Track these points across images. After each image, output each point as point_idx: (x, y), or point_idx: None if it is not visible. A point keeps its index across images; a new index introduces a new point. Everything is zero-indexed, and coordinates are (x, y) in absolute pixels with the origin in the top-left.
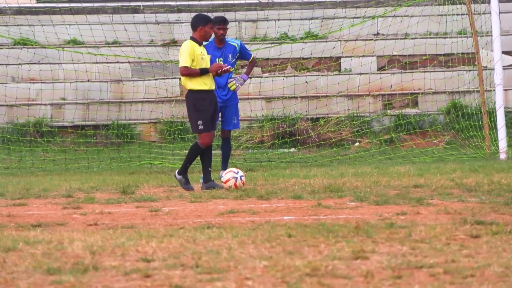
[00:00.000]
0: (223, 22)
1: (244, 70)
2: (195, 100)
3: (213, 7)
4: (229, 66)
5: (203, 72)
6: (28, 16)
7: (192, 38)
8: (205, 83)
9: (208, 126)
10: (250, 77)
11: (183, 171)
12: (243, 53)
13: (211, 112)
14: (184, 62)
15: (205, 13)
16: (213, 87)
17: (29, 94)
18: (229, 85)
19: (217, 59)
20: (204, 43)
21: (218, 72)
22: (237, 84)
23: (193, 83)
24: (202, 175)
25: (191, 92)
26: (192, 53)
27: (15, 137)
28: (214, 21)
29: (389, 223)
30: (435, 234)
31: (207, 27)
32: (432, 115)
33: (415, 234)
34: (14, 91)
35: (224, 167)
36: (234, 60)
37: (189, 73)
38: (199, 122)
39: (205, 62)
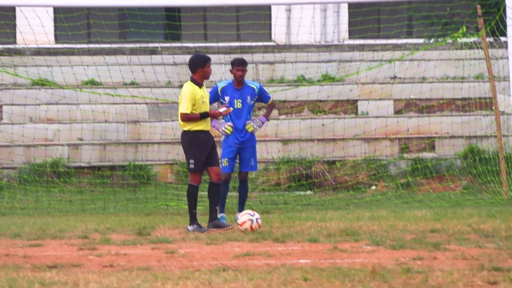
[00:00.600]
0: (242, 63)
1: (262, 112)
2: (190, 139)
3: (230, 48)
4: (230, 107)
5: (203, 116)
6: (47, 57)
7: (192, 80)
8: (201, 124)
9: (200, 166)
10: (268, 120)
11: (192, 219)
12: (261, 96)
13: (206, 152)
14: (185, 108)
15: (203, 54)
16: (208, 127)
17: (46, 135)
18: (246, 127)
19: (235, 100)
20: (227, 82)
21: (218, 117)
22: (254, 126)
23: (190, 125)
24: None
25: (187, 132)
26: (192, 98)
27: (32, 177)
28: (233, 63)
29: (405, 268)
30: (452, 280)
31: (206, 67)
32: (449, 159)
33: (432, 280)
34: (31, 132)
35: (241, 209)
36: (252, 102)
37: (189, 119)
38: (191, 161)
39: (205, 105)
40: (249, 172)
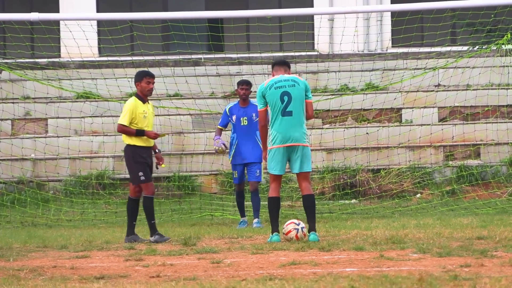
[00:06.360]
0: (246, 83)
1: None
2: (133, 154)
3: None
4: (165, 133)
5: (138, 133)
6: (91, 70)
7: (136, 95)
8: (142, 140)
9: (148, 176)
10: None
11: (153, 229)
12: None
13: (148, 165)
14: (122, 119)
15: (145, 70)
16: (150, 144)
17: (91, 147)
18: None
19: (241, 118)
20: (233, 103)
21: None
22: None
23: (132, 139)
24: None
25: (129, 146)
26: (132, 111)
27: (78, 190)
28: (238, 83)
29: (453, 275)
30: (500, 286)
31: (143, 82)
32: (494, 166)
33: (479, 287)
34: (77, 144)
35: (257, 215)
36: (257, 118)
37: (124, 131)
38: (140, 174)
39: (147, 120)
40: (260, 182)
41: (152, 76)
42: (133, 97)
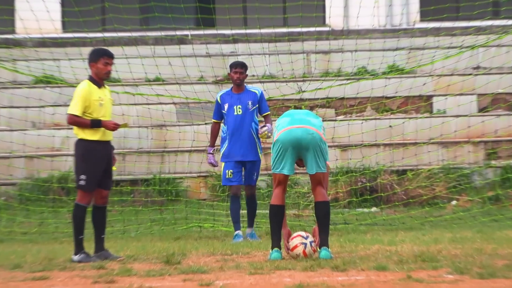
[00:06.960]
0: (240, 66)
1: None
2: (84, 151)
3: (276, 36)
4: (126, 123)
5: (94, 124)
6: (53, 49)
7: (89, 78)
8: (99, 133)
9: (91, 184)
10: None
11: (79, 247)
12: (261, 104)
13: (102, 167)
14: (73, 109)
15: (103, 47)
16: (109, 137)
17: (53, 143)
18: (261, 136)
19: (235, 107)
20: (226, 90)
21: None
22: (268, 132)
23: (85, 132)
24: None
25: (81, 141)
26: (86, 99)
27: (35, 195)
28: (231, 65)
29: None
30: None
31: (99, 63)
32: None
33: None
34: (35, 139)
35: (251, 224)
36: (254, 107)
37: (76, 122)
38: (82, 177)
39: (104, 109)
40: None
41: (111, 56)
42: (86, 81)
